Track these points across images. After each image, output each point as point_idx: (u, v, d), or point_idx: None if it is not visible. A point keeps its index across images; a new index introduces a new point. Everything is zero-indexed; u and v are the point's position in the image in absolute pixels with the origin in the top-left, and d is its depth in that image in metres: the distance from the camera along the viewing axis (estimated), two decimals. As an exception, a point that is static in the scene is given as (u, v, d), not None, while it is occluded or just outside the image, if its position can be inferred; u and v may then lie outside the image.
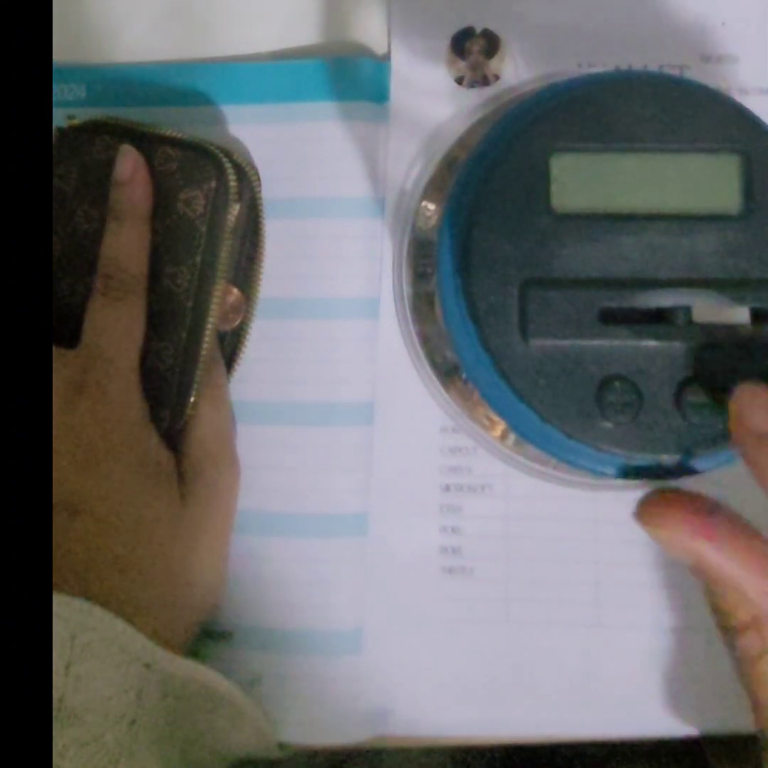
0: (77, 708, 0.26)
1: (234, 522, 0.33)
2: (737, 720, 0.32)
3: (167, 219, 0.33)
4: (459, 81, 0.36)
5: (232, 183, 0.32)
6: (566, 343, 0.23)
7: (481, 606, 0.34)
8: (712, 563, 0.21)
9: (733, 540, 0.21)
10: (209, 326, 0.32)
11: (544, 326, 0.23)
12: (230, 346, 0.35)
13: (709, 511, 0.22)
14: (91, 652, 0.27)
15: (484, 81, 0.36)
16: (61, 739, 0.26)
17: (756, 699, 0.23)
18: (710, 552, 0.21)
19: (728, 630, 0.22)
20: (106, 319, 0.31)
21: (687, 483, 0.24)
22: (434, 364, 0.34)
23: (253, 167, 0.34)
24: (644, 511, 0.22)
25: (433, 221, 0.34)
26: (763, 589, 0.21)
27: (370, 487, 0.35)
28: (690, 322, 0.23)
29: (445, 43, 0.36)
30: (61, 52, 0.36)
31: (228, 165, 0.32)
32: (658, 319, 0.23)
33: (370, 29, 0.37)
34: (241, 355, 0.35)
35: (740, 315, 0.23)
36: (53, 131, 0.34)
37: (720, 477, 0.25)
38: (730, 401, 0.22)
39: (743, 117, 0.24)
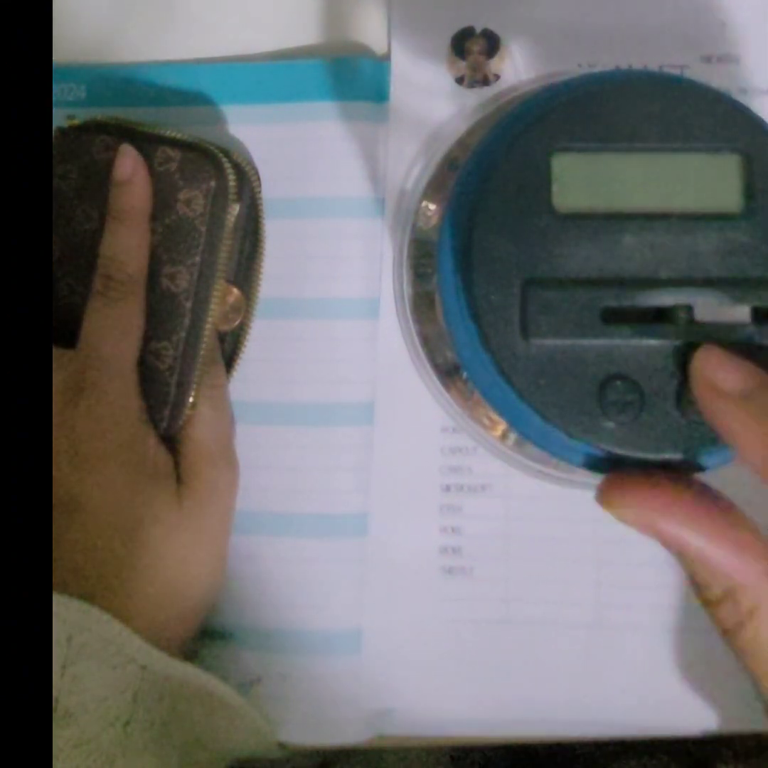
0: (73, 708, 0.26)
1: (233, 522, 0.33)
2: (738, 719, 0.32)
3: (167, 219, 0.33)
4: (459, 81, 0.36)
5: (232, 183, 0.32)
6: (567, 342, 0.23)
7: (481, 606, 0.34)
8: (679, 541, 0.21)
9: (699, 515, 0.21)
10: (208, 326, 0.32)
11: (545, 326, 0.23)
12: (230, 346, 0.35)
13: (670, 487, 0.21)
14: (88, 653, 0.27)
15: (484, 81, 0.36)
16: (56, 739, 0.26)
17: (751, 669, 0.22)
18: (675, 530, 0.21)
19: (707, 603, 0.22)
20: (105, 319, 0.31)
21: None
22: (434, 364, 0.34)
23: (253, 167, 0.34)
24: (606, 494, 0.22)
25: (433, 221, 0.34)
26: (733, 564, 0.21)
27: (370, 487, 0.35)
28: (691, 321, 0.23)
29: (445, 43, 0.36)
30: (61, 52, 0.36)
31: (227, 165, 0.32)
32: (660, 318, 0.23)
33: (370, 29, 0.37)
34: (241, 355, 0.35)
35: (741, 314, 0.23)
36: (53, 131, 0.34)
37: (721, 476, 0.25)
38: (693, 364, 0.22)
39: (743, 117, 0.24)
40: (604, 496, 0.22)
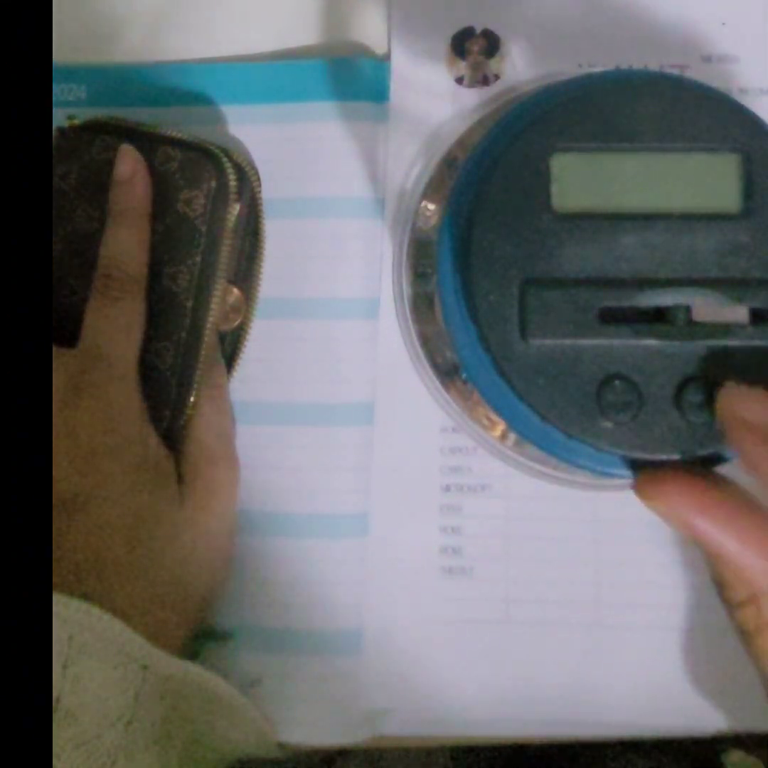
0: (74, 708, 0.26)
1: (236, 522, 0.33)
2: (739, 719, 0.32)
3: (167, 219, 0.33)
4: (459, 81, 0.36)
5: (232, 183, 0.32)
6: (566, 342, 0.23)
7: (481, 606, 0.34)
8: (710, 539, 0.21)
9: (732, 515, 0.21)
10: (209, 326, 0.32)
11: (544, 326, 0.23)
12: (230, 346, 0.35)
13: (707, 485, 0.22)
14: (89, 653, 0.27)
15: (484, 81, 0.36)
16: (57, 739, 0.26)
17: (765, 674, 0.22)
18: (707, 527, 0.21)
19: (728, 603, 0.22)
20: (105, 319, 0.31)
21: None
22: (434, 364, 0.34)
23: (253, 167, 0.35)
24: (642, 485, 0.22)
25: (433, 221, 0.34)
26: (760, 567, 0.21)
27: (370, 487, 0.35)
28: (690, 321, 0.23)
29: (445, 43, 0.36)
30: (61, 52, 0.36)
31: (228, 165, 0.33)
32: (658, 318, 0.23)
33: (370, 29, 0.37)
34: (241, 355, 0.35)
35: (740, 314, 0.23)
36: (53, 131, 0.34)
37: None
38: (717, 402, 0.22)
39: (743, 117, 0.24)
40: (640, 487, 0.22)
